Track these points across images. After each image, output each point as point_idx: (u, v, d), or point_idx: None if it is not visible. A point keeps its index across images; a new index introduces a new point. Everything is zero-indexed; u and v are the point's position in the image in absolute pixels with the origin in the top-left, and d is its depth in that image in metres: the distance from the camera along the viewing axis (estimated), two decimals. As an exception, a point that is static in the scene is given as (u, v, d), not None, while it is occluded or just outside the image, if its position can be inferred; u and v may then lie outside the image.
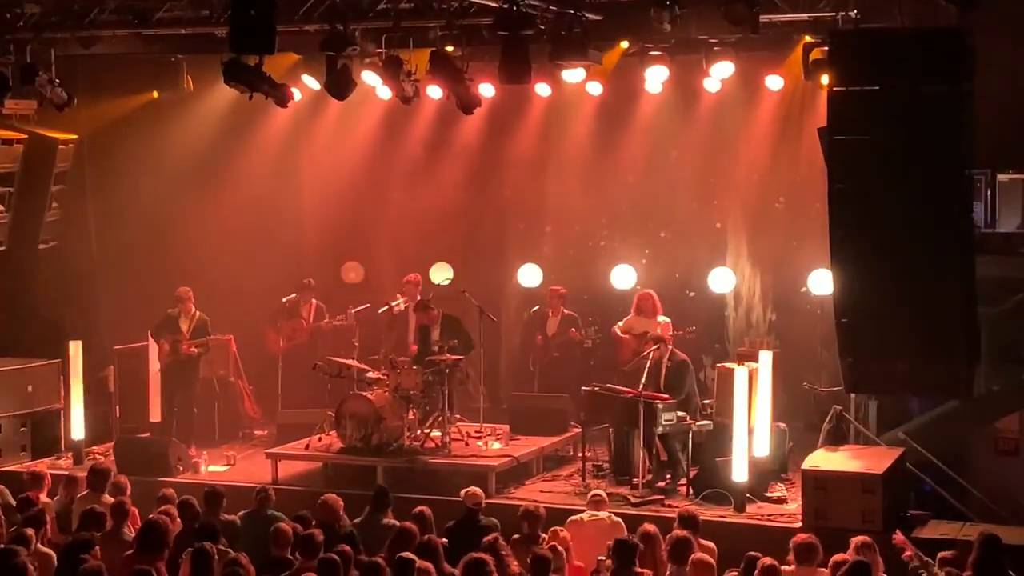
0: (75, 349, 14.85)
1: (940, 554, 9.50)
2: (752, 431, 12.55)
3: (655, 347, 13.51)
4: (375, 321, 16.24)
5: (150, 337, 15.28)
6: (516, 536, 10.35)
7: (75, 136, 16.09)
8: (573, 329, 15.81)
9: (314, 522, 10.58)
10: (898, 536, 9.75)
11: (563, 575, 9.63)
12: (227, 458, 14.62)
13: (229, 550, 9.84)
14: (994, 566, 9.11)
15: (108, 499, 11.40)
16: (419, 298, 15.50)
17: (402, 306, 15.82)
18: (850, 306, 10.73)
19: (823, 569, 9.50)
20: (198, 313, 15.25)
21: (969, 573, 9.14)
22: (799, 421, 14.36)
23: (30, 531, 9.98)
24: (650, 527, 10.24)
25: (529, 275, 17.37)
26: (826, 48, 11.58)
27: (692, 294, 16.75)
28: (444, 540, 10.21)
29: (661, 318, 14.81)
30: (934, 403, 13.16)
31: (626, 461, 13.45)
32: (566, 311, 16.00)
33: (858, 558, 9.27)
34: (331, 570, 8.97)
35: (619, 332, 15.09)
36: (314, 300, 16.71)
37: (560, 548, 9.79)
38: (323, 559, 9.12)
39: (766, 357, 13.07)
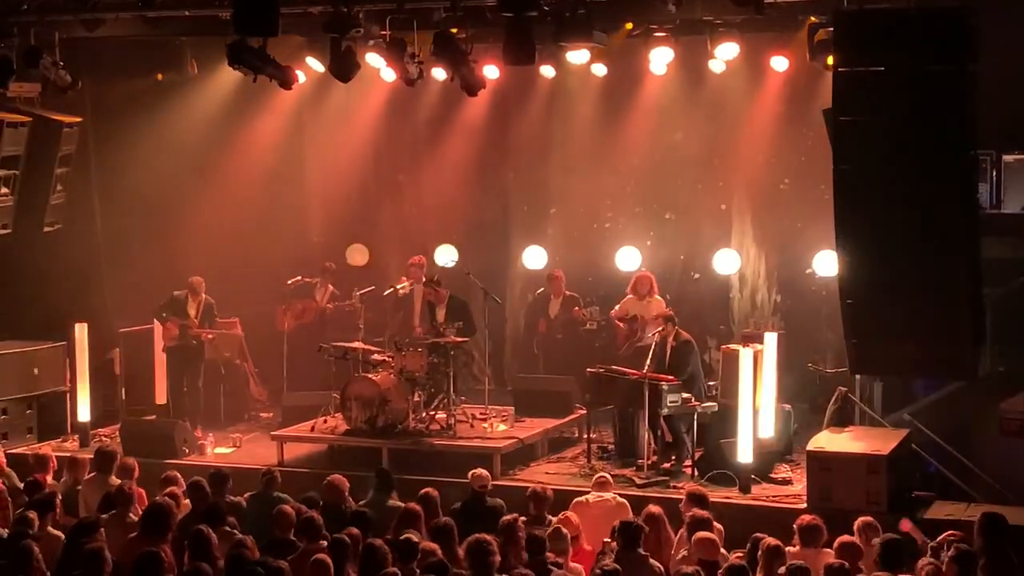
0: (81, 331, 14.86)
1: (945, 534, 9.51)
2: (757, 412, 12.56)
3: (660, 327, 13.51)
4: (380, 303, 16.25)
5: (154, 318, 15.29)
6: (523, 518, 10.36)
7: (79, 119, 16.05)
8: (576, 308, 15.81)
9: (321, 503, 10.62)
10: (906, 523, 9.73)
11: (567, 558, 9.62)
12: (233, 440, 14.64)
13: (236, 531, 9.86)
14: (996, 546, 9.11)
15: (115, 481, 11.42)
16: (426, 277, 15.49)
17: (407, 288, 15.83)
18: (855, 287, 10.72)
19: (828, 550, 9.48)
20: (205, 297, 15.26)
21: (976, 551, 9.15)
22: (804, 402, 14.36)
23: (35, 514, 9.98)
24: (655, 508, 10.27)
25: (533, 257, 17.38)
26: (831, 29, 11.54)
27: (697, 276, 16.75)
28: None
29: (657, 298, 14.86)
30: (939, 384, 13.16)
31: (631, 443, 13.47)
32: (568, 292, 16.00)
33: (890, 535, 9.30)
34: (342, 550, 8.98)
35: (615, 318, 15.13)
36: (330, 285, 16.73)
37: (565, 531, 9.79)
38: (335, 539, 9.13)
39: (771, 338, 13.06)
